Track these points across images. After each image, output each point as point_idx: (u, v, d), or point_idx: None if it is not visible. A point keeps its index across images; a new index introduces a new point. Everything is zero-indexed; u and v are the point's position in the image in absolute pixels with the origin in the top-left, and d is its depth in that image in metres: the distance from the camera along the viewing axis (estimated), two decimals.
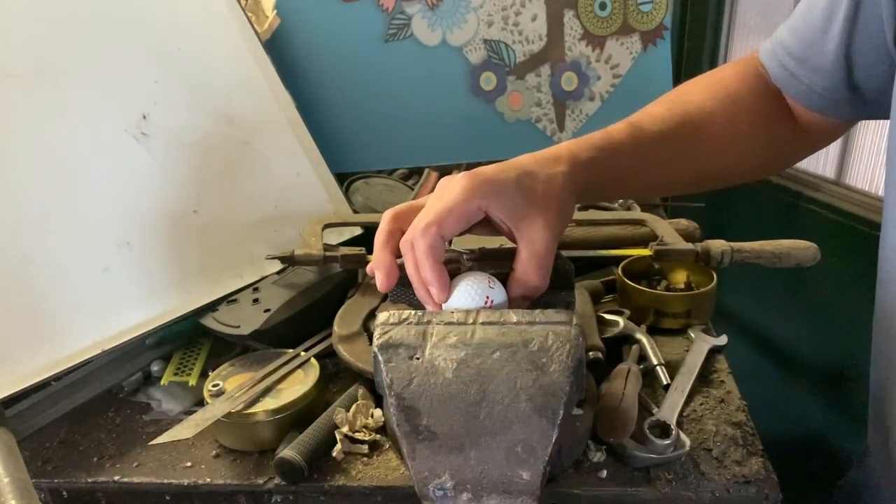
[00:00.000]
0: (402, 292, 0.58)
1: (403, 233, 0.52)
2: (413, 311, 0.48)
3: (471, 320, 0.47)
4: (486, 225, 0.53)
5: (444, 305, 0.51)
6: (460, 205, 0.49)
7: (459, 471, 0.42)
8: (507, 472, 0.41)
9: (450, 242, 0.59)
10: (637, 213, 0.93)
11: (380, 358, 0.46)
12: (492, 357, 0.45)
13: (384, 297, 0.78)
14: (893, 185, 0.55)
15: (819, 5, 0.60)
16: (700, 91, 0.67)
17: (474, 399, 0.43)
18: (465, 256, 0.55)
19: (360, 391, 0.68)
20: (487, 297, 0.49)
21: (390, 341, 0.46)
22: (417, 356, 0.45)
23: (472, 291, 0.50)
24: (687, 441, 0.62)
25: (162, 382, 0.73)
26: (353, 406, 0.66)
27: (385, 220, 0.53)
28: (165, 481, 0.62)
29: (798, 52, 0.63)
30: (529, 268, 0.51)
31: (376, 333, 0.47)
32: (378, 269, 0.52)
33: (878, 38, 0.55)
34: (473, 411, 0.43)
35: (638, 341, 0.76)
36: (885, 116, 0.60)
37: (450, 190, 0.51)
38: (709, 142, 0.65)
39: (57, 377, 0.68)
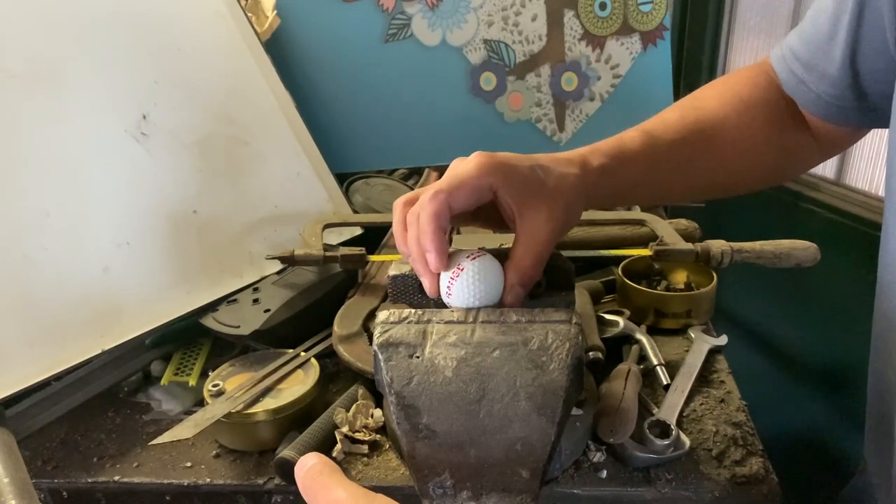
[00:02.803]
0: (402, 293, 0.58)
1: None
2: (413, 310, 0.48)
3: (471, 319, 0.47)
4: (488, 218, 0.53)
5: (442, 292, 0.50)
6: (473, 179, 0.49)
7: (459, 469, 0.41)
8: (506, 471, 0.41)
9: (450, 242, 0.59)
10: (637, 213, 0.93)
11: (380, 356, 0.46)
12: (491, 355, 0.45)
13: (384, 297, 0.78)
14: (894, 192, 0.55)
15: (826, 11, 0.59)
16: (713, 97, 0.67)
17: (474, 397, 0.43)
18: (464, 256, 0.55)
19: (360, 391, 0.68)
20: (471, 254, 0.49)
21: (390, 340, 0.46)
22: (417, 355, 0.45)
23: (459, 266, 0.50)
24: (687, 441, 0.62)
25: (162, 382, 0.74)
26: (353, 406, 0.66)
27: (398, 210, 0.53)
28: (165, 481, 0.62)
29: (806, 59, 0.63)
30: (525, 254, 0.50)
31: (376, 332, 0.47)
32: (412, 260, 0.51)
33: (882, 44, 0.55)
34: (473, 410, 0.43)
35: (638, 341, 0.76)
36: None
37: (464, 165, 0.51)
38: (721, 150, 0.65)
39: (57, 377, 0.68)
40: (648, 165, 0.60)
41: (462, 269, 0.49)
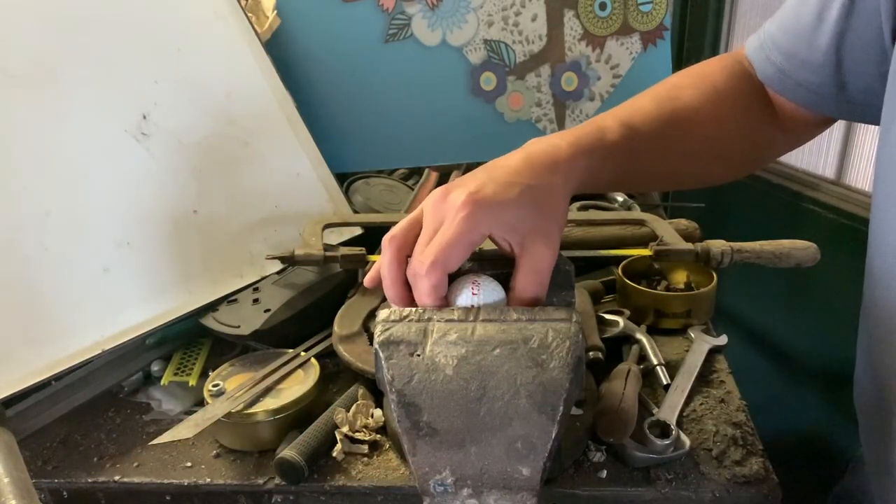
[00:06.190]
0: None
1: (407, 256, 0.51)
2: (414, 309, 0.48)
3: (471, 317, 0.47)
4: None
5: None
6: (465, 236, 0.48)
7: (460, 467, 0.42)
8: (507, 468, 0.42)
9: None
10: (637, 213, 0.93)
11: (381, 355, 0.46)
12: (492, 354, 0.45)
13: (384, 297, 0.78)
14: (882, 186, 0.55)
15: (810, 2, 0.60)
16: (689, 86, 0.67)
17: (475, 395, 0.43)
18: (468, 283, 0.55)
19: (360, 391, 0.68)
20: (473, 282, 0.50)
21: (391, 338, 0.46)
22: (418, 353, 0.45)
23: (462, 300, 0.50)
24: (687, 441, 0.62)
25: (162, 382, 0.73)
26: (353, 406, 0.66)
27: (387, 250, 0.51)
28: (165, 481, 0.62)
29: (787, 47, 0.63)
30: (529, 284, 0.50)
31: (377, 330, 0.47)
32: (397, 304, 0.52)
33: (871, 34, 0.56)
34: (474, 408, 0.43)
35: (638, 341, 0.76)
36: (867, 119, 0.60)
37: (451, 218, 0.49)
38: (694, 142, 0.66)
39: (57, 377, 0.68)
40: (627, 159, 0.61)
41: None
